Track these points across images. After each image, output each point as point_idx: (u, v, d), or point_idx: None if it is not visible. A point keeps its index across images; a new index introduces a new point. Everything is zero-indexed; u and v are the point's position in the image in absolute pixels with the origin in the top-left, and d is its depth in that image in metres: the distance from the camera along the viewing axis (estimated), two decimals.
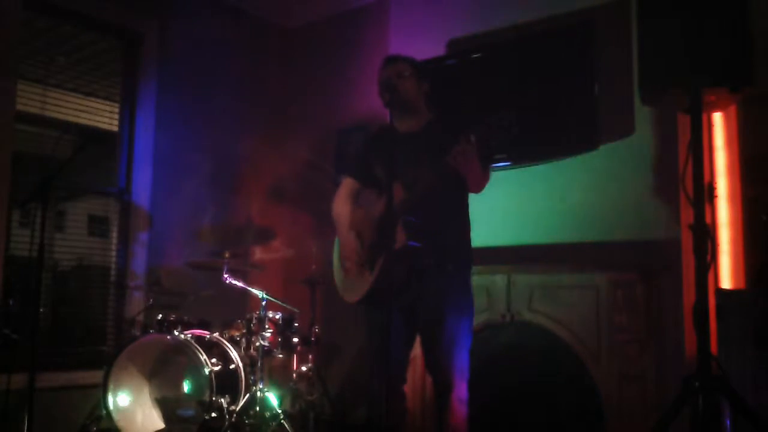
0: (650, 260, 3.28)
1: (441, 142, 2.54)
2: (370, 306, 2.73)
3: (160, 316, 3.61)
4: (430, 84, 2.84)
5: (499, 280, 3.57)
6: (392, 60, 2.84)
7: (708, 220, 2.70)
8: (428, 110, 2.84)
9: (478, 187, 2.66)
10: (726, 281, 3.09)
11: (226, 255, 3.70)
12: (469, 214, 2.78)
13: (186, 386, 3.53)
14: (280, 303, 3.90)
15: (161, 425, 3.51)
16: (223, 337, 3.70)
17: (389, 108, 2.56)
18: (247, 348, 3.70)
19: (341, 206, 2.88)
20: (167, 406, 3.54)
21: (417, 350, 2.86)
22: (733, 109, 3.09)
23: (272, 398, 3.55)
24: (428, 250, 2.59)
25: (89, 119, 4.24)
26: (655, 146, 3.38)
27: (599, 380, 3.22)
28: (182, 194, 4.52)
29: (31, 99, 3.94)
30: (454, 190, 2.67)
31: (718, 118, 3.16)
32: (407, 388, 2.81)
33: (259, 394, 3.52)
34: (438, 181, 2.55)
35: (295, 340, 3.85)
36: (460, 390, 2.58)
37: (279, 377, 4.31)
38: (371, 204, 2.77)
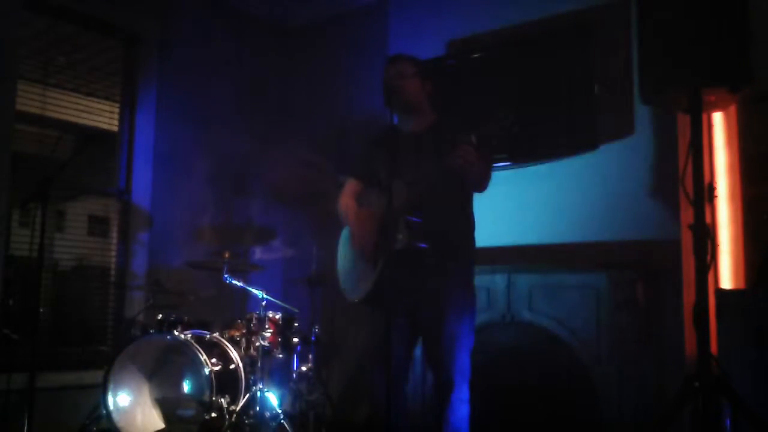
0: (650, 260, 3.28)
1: (443, 142, 2.54)
2: (372, 305, 2.73)
3: (160, 316, 3.61)
4: (434, 83, 2.83)
5: (499, 280, 3.57)
6: (395, 59, 2.82)
7: (708, 220, 2.69)
8: (433, 110, 2.83)
9: (481, 186, 2.66)
10: (726, 281, 3.09)
11: (226, 255, 3.70)
12: (473, 213, 2.78)
13: (186, 386, 3.53)
14: (280, 303, 3.90)
15: (161, 425, 3.51)
16: (223, 337, 3.70)
17: (391, 108, 2.55)
18: (247, 348, 3.70)
19: (348, 201, 2.87)
20: (167, 406, 3.54)
21: (417, 350, 2.86)
22: (733, 109, 3.10)
23: (272, 398, 3.55)
24: (431, 249, 2.59)
25: (89, 119, 4.24)
26: (655, 146, 3.38)
27: (599, 380, 3.22)
28: (182, 194, 4.52)
29: (31, 99, 3.93)
30: (457, 190, 2.67)
31: (718, 118, 3.16)
32: (408, 387, 2.81)
33: (259, 394, 3.52)
34: (440, 181, 2.54)
35: (295, 340, 3.85)
36: (462, 390, 2.58)
37: (279, 377, 4.31)
38: (374, 204, 2.77)
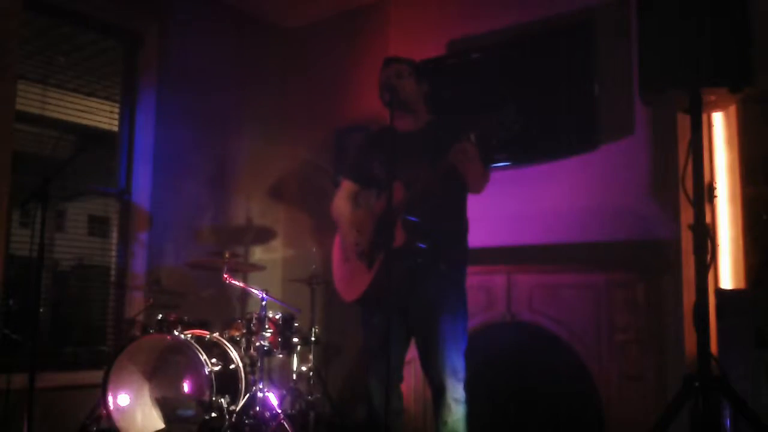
0: (650, 260, 3.27)
1: (441, 141, 2.55)
2: (367, 305, 2.73)
3: (160, 316, 3.61)
4: (430, 84, 2.84)
5: (499, 280, 3.57)
6: (392, 60, 2.85)
7: (708, 220, 2.70)
8: (427, 110, 2.85)
9: (479, 188, 2.66)
10: (726, 281, 3.09)
11: (226, 255, 3.71)
12: (467, 214, 2.78)
13: (186, 386, 3.53)
14: (280, 303, 3.90)
15: (161, 425, 3.51)
16: (223, 337, 3.70)
17: (389, 108, 2.56)
18: (247, 348, 3.70)
19: (342, 206, 2.89)
20: (167, 406, 3.54)
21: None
22: (733, 109, 3.09)
23: (272, 398, 3.55)
24: (422, 249, 2.59)
25: (89, 119, 4.24)
26: (655, 146, 3.38)
27: (599, 380, 3.22)
28: (182, 194, 4.52)
29: (31, 99, 3.94)
30: (452, 191, 2.67)
31: (718, 118, 3.16)
32: (404, 387, 2.81)
33: (259, 394, 3.52)
34: (436, 181, 2.55)
35: (295, 340, 3.85)
36: (456, 390, 2.58)
37: (279, 377, 4.31)
38: (371, 204, 2.77)
